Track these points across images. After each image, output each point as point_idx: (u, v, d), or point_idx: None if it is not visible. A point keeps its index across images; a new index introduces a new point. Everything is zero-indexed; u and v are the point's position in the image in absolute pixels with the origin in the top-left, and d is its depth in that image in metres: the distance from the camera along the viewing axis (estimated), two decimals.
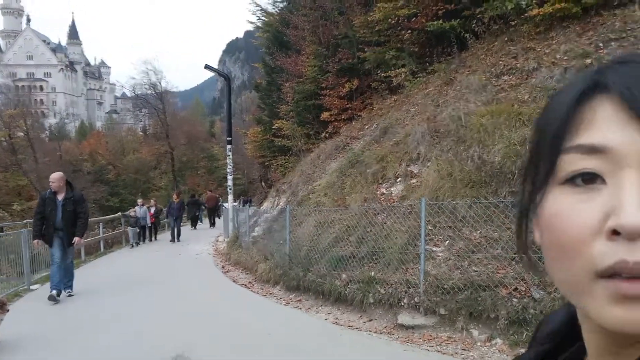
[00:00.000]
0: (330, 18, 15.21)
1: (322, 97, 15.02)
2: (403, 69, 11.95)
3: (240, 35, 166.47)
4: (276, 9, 21.35)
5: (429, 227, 5.86)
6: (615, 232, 0.35)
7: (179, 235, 16.91)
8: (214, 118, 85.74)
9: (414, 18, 11.27)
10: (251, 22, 24.00)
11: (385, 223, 6.72)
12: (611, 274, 0.36)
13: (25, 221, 11.97)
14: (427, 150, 7.66)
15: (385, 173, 8.28)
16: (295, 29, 16.95)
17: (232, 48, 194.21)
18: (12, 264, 9.81)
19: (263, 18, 22.02)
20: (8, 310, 5.42)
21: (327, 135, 14.69)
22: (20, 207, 30.04)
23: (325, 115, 14.93)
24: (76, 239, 7.52)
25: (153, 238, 17.99)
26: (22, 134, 38.50)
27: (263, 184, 23.06)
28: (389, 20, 11.66)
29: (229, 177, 15.37)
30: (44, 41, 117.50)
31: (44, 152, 40.57)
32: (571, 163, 0.39)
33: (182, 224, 18.40)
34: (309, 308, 6.41)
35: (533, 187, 0.43)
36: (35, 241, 7.48)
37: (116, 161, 48.88)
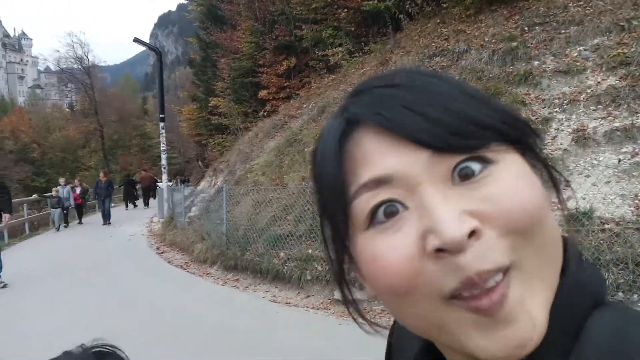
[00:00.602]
0: None
1: (259, 74, 14.79)
2: (340, 48, 11.99)
3: (173, 8, 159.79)
4: None
5: None
6: (439, 250, 0.33)
7: (108, 216, 15.91)
8: (147, 94, 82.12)
9: None
10: None
11: None
12: (459, 295, 0.34)
13: None
14: None
15: None
16: (230, 3, 16.50)
17: (165, 21, 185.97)
18: None
19: None
20: None
21: (265, 113, 14.52)
22: None
23: (263, 93, 14.73)
24: (6, 216, 7.45)
25: (79, 220, 16.85)
26: None
27: (200, 163, 22.55)
28: None
29: (163, 156, 14.90)
30: None
31: None
32: (366, 203, 0.37)
33: (112, 204, 17.38)
34: (247, 287, 6.41)
35: (337, 244, 0.40)
36: None
37: (41, 139, 45.92)
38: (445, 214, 0.33)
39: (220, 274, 7.20)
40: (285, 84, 14.54)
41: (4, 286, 6.94)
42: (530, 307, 0.34)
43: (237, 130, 15.56)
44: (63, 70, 47.50)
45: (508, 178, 0.35)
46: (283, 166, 9.08)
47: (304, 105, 12.00)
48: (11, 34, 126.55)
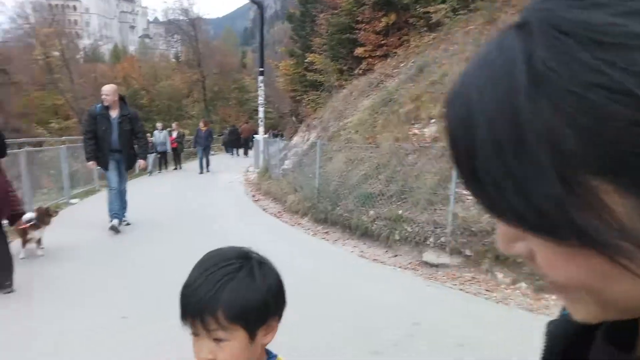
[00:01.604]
0: None
1: (357, 31, 14.62)
2: (443, 5, 11.48)
3: None
4: None
5: None
6: None
7: (207, 165, 16.00)
8: (246, 49, 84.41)
9: None
10: None
11: (416, 164, 6.77)
12: None
13: (63, 138, 12.29)
14: None
15: (419, 113, 8.21)
16: None
17: None
18: (52, 179, 10.32)
19: None
20: (56, 213, 5.85)
21: (360, 71, 14.43)
22: (59, 126, 30.99)
23: (359, 50, 14.59)
24: (141, 162, 6.93)
25: (178, 166, 17.04)
26: (57, 53, 38.86)
27: (294, 118, 23.08)
28: None
29: (260, 109, 15.44)
30: None
31: (79, 73, 41.04)
32: None
33: (212, 153, 18.12)
34: (336, 240, 6.66)
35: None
36: (91, 162, 6.63)
37: (149, 86, 49.21)
38: None
39: (311, 226, 7.52)
40: (383, 42, 14.26)
41: (128, 224, 7.19)
42: None
43: (331, 87, 15.65)
44: (170, 22, 50.06)
45: None
46: (377, 126, 9.07)
47: (402, 64, 11.75)
48: None
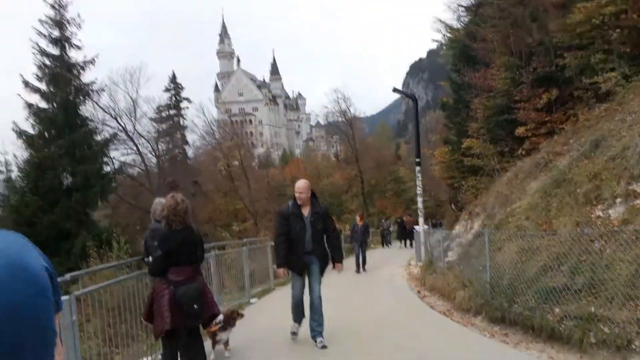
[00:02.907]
0: (522, 25, 14.24)
1: (515, 110, 14.07)
2: (613, 73, 10.51)
3: (424, 55, 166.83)
4: (461, 24, 20.86)
5: None
6: None
7: (364, 263, 14.89)
8: (399, 140, 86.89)
9: (623, 15, 9.87)
10: (435, 40, 23.93)
11: (604, 251, 5.89)
12: None
13: (244, 240, 13.33)
14: None
15: (600, 193, 7.29)
16: (484, 41, 16.27)
17: (416, 69, 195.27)
18: (234, 279, 11.15)
19: (448, 35, 21.70)
20: (242, 316, 6.05)
21: (523, 152, 13.65)
22: (238, 228, 34.45)
23: (520, 130, 13.92)
24: (338, 265, 6.27)
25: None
26: (237, 162, 44.36)
27: (453, 206, 22.37)
28: (592, 20, 10.42)
29: (419, 200, 15.32)
30: (251, 79, 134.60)
31: (254, 178, 46.05)
32: None
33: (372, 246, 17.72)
34: (517, 343, 5.92)
35: None
36: (281, 270, 6.06)
37: (313, 185, 52.71)
38: None
39: (486, 326, 6.85)
40: (546, 119, 13.44)
41: (324, 347, 6.02)
42: None
43: (492, 171, 14.97)
44: (330, 124, 54.30)
45: None
46: (551, 209, 8.26)
47: (571, 141, 10.79)
48: (290, 95, 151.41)
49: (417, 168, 15.42)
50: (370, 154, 50.81)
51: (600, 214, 6.96)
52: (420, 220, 15.33)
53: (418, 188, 15.36)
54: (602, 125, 9.47)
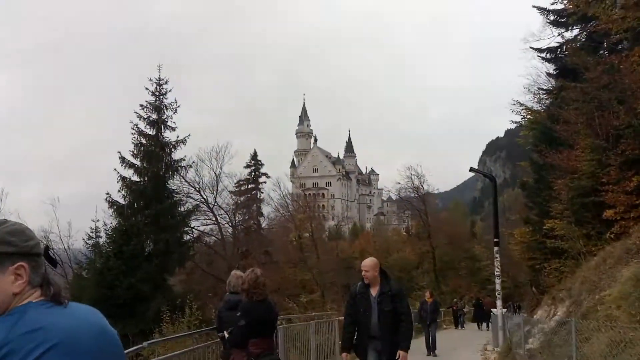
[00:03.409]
0: (608, 108, 13.92)
1: (603, 193, 13.44)
2: None
3: (501, 134, 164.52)
4: (542, 106, 20.72)
5: None
6: None
7: (434, 346, 13.89)
8: (475, 218, 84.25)
9: None
10: (515, 122, 23.80)
11: None
12: None
13: (313, 314, 13.26)
14: None
15: None
16: (567, 123, 15.99)
17: (493, 147, 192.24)
18: (299, 352, 11.04)
19: (528, 116, 21.55)
20: None
21: (612, 236, 12.85)
22: (305, 299, 34.26)
23: (608, 213, 13.19)
24: (401, 353, 5.29)
25: None
26: (307, 234, 44.93)
27: (534, 289, 21.08)
28: None
29: (497, 281, 14.66)
30: (327, 156, 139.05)
31: (324, 250, 46.20)
32: None
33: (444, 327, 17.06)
34: None
35: None
36: (344, 354, 5.58)
37: (382, 260, 51.87)
38: None
39: None
40: (637, 202, 12.68)
41: None
42: None
43: (578, 254, 14.14)
44: (402, 199, 54.06)
45: None
46: None
47: None
48: (363, 171, 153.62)
49: (495, 248, 14.93)
50: (443, 229, 49.54)
51: None
52: (498, 303, 14.57)
53: (496, 269, 14.77)
54: None
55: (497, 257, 14.76)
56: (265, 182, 43.38)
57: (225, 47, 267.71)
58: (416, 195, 50.38)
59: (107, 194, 25.86)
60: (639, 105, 12.17)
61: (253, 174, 42.53)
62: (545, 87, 20.76)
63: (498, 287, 14.66)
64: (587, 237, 14.33)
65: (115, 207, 25.80)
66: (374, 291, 5.44)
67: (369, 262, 5.57)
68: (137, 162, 26.43)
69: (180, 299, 25.97)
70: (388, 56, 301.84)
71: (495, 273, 14.80)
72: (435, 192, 58.07)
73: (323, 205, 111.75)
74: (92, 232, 28.21)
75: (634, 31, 13.15)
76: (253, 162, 42.84)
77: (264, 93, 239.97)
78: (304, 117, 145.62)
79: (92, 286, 23.35)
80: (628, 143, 12.90)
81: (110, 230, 25.52)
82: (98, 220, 27.49)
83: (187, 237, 29.68)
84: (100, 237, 27.52)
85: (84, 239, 28.03)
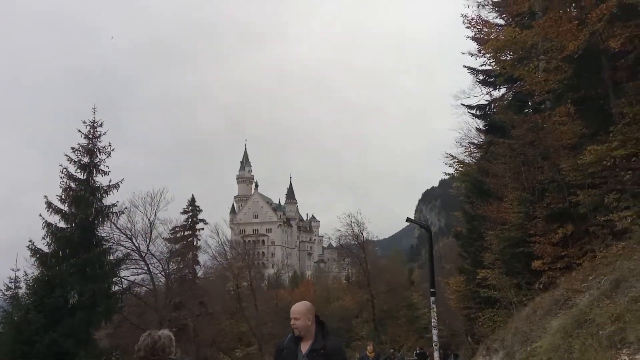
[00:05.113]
0: (533, 163, 14.77)
1: (531, 244, 14.01)
2: (627, 212, 10.62)
3: (436, 184, 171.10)
4: (473, 160, 21.74)
5: None
6: None
7: None
8: (412, 265, 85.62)
9: (634, 158, 10.26)
10: (447, 174, 24.81)
11: None
12: None
13: None
14: None
15: (625, 336, 6.98)
16: (495, 177, 16.80)
17: (428, 197, 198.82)
18: None
19: (460, 169, 22.51)
20: None
21: (541, 286, 13.33)
22: (242, 353, 32.88)
23: (536, 264, 13.72)
24: None
25: None
26: (246, 283, 43.60)
27: (469, 338, 21.40)
28: (603, 162, 10.81)
29: (434, 332, 14.66)
30: (267, 202, 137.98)
31: (262, 299, 44.93)
32: None
33: None
34: None
35: None
36: None
37: (322, 309, 51.19)
38: None
39: None
40: (563, 253, 13.30)
41: None
42: None
43: (510, 304, 14.52)
44: (342, 247, 54.11)
45: None
46: (573, 352, 7.85)
47: (590, 278, 10.58)
48: (304, 217, 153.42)
49: (432, 298, 15.02)
50: (382, 277, 49.81)
51: (626, 358, 6.60)
52: (435, 354, 14.54)
53: (433, 319, 14.81)
54: (622, 264, 9.36)
55: (433, 308, 14.84)
56: (202, 229, 42.01)
57: (167, 88, 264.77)
58: (356, 243, 50.68)
59: (30, 241, 24.00)
60: (561, 162, 12.95)
61: (190, 220, 41.12)
62: (475, 142, 21.91)
63: (435, 337, 14.65)
64: (518, 287, 14.79)
65: (38, 255, 23.91)
66: (304, 347, 4.24)
67: (298, 308, 4.33)
68: (64, 207, 24.83)
69: (106, 355, 24.02)
70: (329, 105, 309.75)
71: (432, 324, 14.83)
72: (375, 239, 58.73)
73: (263, 253, 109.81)
74: (10, 282, 25.94)
75: (555, 93, 14.23)
76: (190, 207, 41.52)
77: (205, 137, 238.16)
78: (245, 162, 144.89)
79: (9, 342, 21.27)
80: (552, 197, 13.66)
81: (31, 281, 23.59)
82: (18, 270, 25.36)
83: (115, 288, 27.90)
84: (20, 287, 25.33)
85: (1, 290, 25.74)
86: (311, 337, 4.25)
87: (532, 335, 10.24)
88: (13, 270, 25.63)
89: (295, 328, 4.25)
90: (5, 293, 25.79)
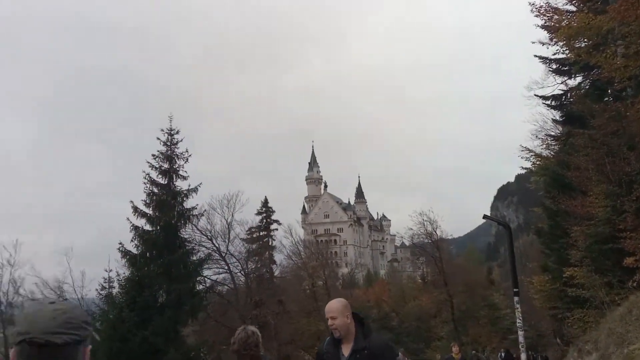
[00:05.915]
0: (618, 154, 13.92)
1: (621, 239, 13.21)
2: None
3: (512, 179, 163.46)
4: (551, 152, 20.78)
5: None
6: None
7: None
8: (491, 264, 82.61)
9: None
10: (524, 168, 23.75)
11: None
12: None
13: None
14: None
15: None
16: (577, 170, 15.99)
17: (504, 193, 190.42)
18: None
19: (537, 162, 21.58)
20: None
21: (634, 284, 12.55)
22: None
23: (629, 260, 12.92)
24: None
25: None
26: (321, 282, 44.27)
27: (558, 340, 20.44)
28: None
29: (520, 333, 14.17)
30: (337, 202, 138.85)
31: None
32: None
33: None
34: None
35: None
36: None
37: (398, 308, 50.85)
38: None
39: None
40: None
41: None
42: None
43: (601, 304, 13.76)
44: (415, 245, 53.38)
45: None
46: None
47: None
48: (375, 217, 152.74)
49: (516, 298, 14.53)
50: (459, 277, 48.44)
51: None
52: (523, 356, 14.07)
53: (518, 320, 14.33)
54: None
55: (517, 308, 14.35)
56: (277, 229, 43.26)
57: (232, 95, 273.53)
58: (429, 241, 49.73)
59: (120, 243, 25.96)
60: None
61: (264, 221, 42.46)
62: (552, 133, 20.93)
63: (521, 339, 14.14)
64: (609, 286, 14.00)
65: (128, 256, 25.83)
66: (345, 349, 3.84)
67: (334, 305, 3.89)
68: (149, 211, 26.64)
69: (194, 351, 25.38)
70: (391, 104, 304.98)
71: (518, 324, 14.33)
72: (449, 238, 57.25)
73: (336, 252, 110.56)
74: (105, 282, 28.06)
75: (637, 79, 13.35)
76: (264, 209, 42.86)
77: (271, 140, 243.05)
78: (313, 163, 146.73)
79: (106, 339, 23.04)
80: None
81: (123, 281, 25.48)
82: (111, 270, 27.41)
83: (199, 287, 29.46)
84: (114, 287, 27.35)
85: (97, 289, 27.92)
86: (352, 338, 3.85)
87: (628, 337, 9.71)
88: (106, 271, 27.70)
89: (335, 329, 3.83)
90: (101, 292, 27.93)
